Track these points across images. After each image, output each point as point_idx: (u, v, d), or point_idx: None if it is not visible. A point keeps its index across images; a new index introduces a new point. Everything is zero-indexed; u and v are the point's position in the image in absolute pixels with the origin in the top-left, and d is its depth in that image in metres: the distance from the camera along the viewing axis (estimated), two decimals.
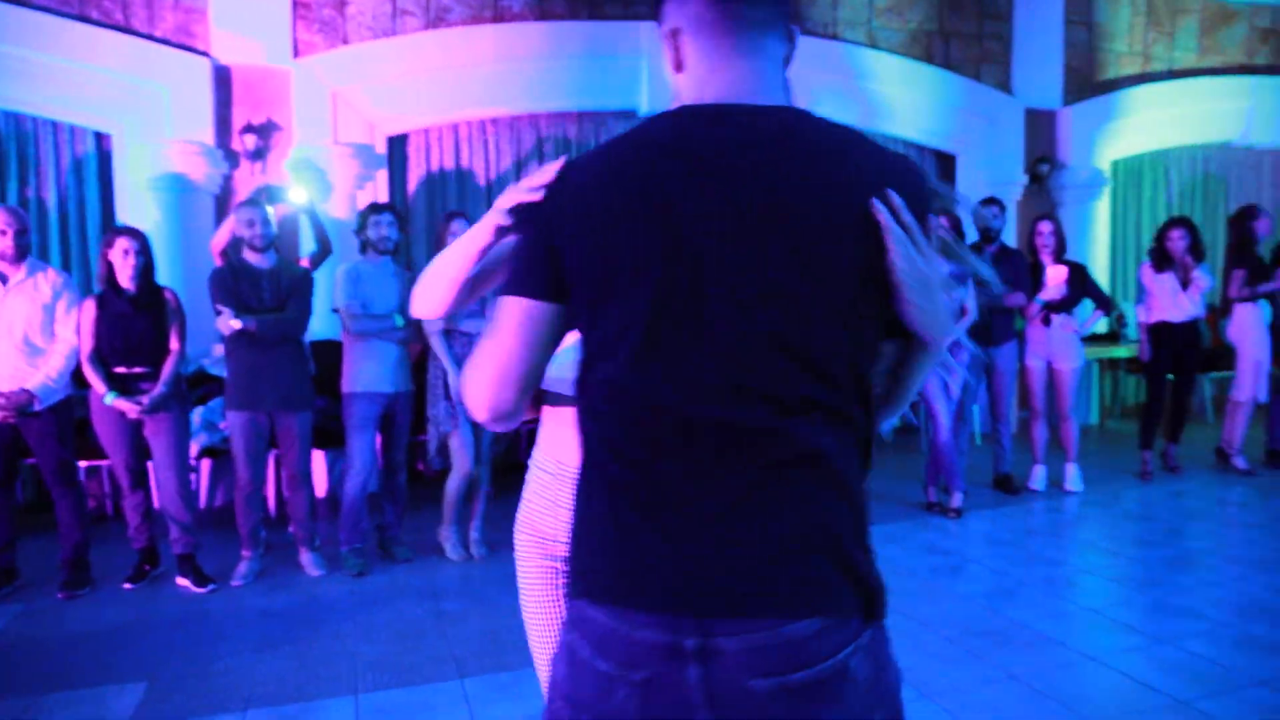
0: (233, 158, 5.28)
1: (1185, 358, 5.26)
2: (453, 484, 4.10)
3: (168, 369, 3.75)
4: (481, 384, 1.03)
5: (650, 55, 5.91)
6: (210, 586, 3.75)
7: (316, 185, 5.19)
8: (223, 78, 5.24)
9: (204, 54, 5.17)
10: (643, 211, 0.95)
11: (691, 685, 0.90)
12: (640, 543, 0.91)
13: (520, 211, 1.09)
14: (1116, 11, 7.57)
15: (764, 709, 0.90)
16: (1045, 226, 5.11)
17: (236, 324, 3.64)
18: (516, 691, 2.78)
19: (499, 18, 5.70)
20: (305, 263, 4.22)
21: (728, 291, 0.92)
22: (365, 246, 4.12)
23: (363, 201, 5.36)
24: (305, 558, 4.01)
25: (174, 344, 3.80)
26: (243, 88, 5.29)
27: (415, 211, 5.71)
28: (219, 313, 3.69)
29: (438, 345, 3.99)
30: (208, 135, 5.14)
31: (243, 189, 5.28)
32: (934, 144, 7.00)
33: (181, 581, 3.81)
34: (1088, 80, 7.46)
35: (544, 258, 1.01)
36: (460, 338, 4.04)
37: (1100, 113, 7.34)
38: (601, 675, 0.93)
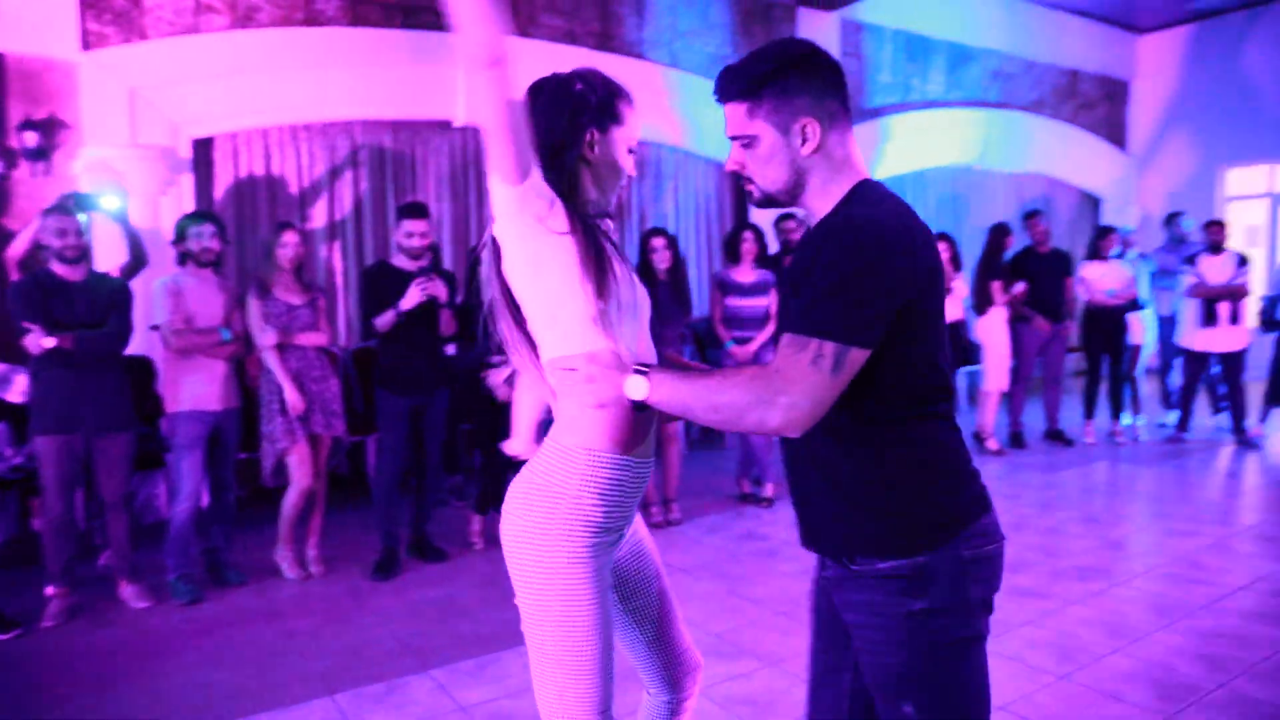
0: (9, 156, 4.78)
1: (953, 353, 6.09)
2: (290, 501, 4.00)
3: None
4: (810, 412, 1.27)
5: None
6: (15, 631, 3.43)
7: (113, 190, 4.81)
8: None
9: None
10: (934, 264, 1.35)
11: None
12: (972, 468, 1.46)
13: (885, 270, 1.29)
14: (880, 46, 8.53)
15: None
16: None
17: (50, 342, 3.38)
18: (393, 701, 2.83)
19: (311, 21, 5.54)
20: (115, 274, 3.95)
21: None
22: (185, 258, 3.93)
23: (166, 209, 5.07)
24: (127, 590, 3.76)
25: None
26: (20, 79, 4.80)
27: (224, 221, 5.42)
28: (25, 331, 3.40)
29: (272, 360, 3.89)
30: None
31: (22, 191, 4.80)
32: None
33: None
34: (858, 106, 8.35)
35: (891, 313, 1.28)
36: (295, 351, 3.96)
37: (871, 136, 8.24)
38: (1000, 555, 1.44)
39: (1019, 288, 6.18)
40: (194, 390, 3.83)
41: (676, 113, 7.01)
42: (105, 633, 3.47)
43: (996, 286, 6.15)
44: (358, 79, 5.66)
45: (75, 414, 3.53)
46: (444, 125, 6.13)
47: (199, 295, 3.88)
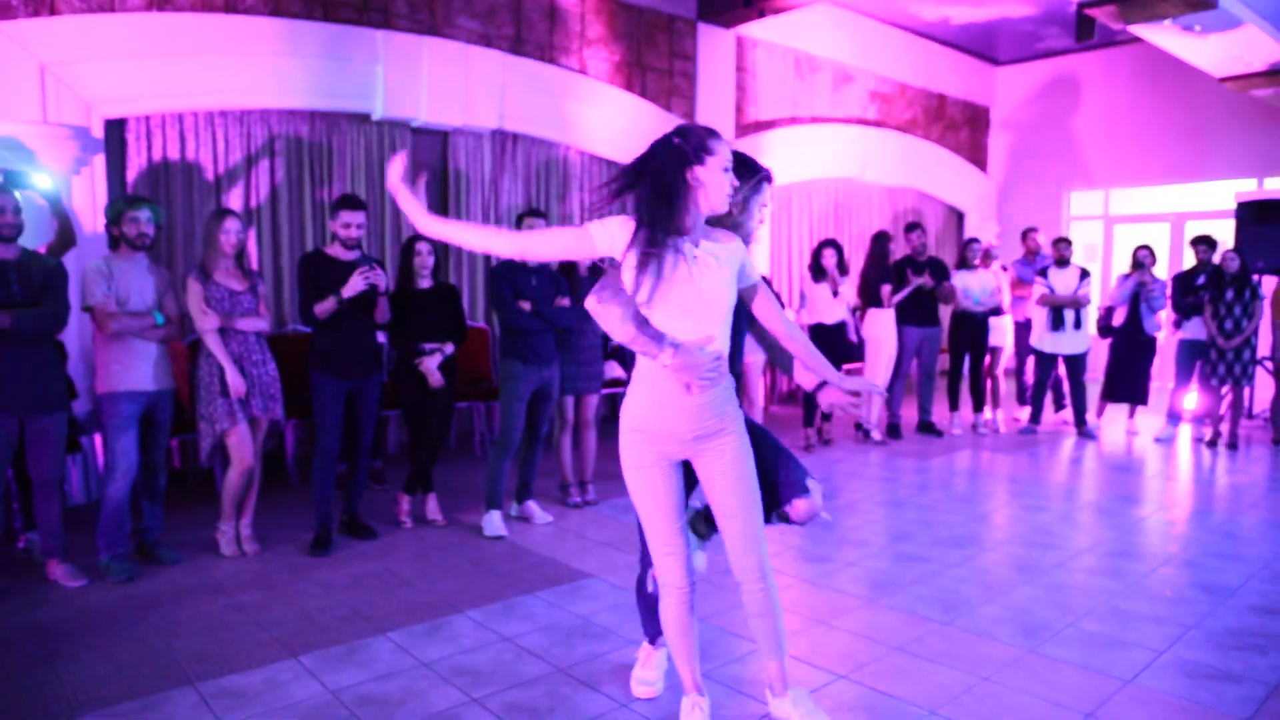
0: None
1: (836, 351, 6.64)
2: (231, 480, 4.08)
3: None
4: None
5: (385, 61, 6.10)
6: None
7: (23, 168, 4.70)
8: None
9: None
10: None
11: None
12: None
13: None
14: (772, 63, 9.10)
15: None
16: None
17: None
18: (356, 660, 3.03)
19: (231, 8, 5.53)
20: (42, 252, 3.91)
21: None
22: (117, 241, 3.94)
23: (79, 189, 4.98)
24: (59, 570, 3.76)
25: None
26: None
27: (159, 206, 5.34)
28: None
29: (214, 343, 3.96)
30: None
31: None
32: None
33: None
34: (751, 118, 8.89)
35: None
36: (235, 336, 4.04)
37: (760, 147, 8.77)
38: None
39: (926, 281, 6.78)
40: (129, 371, 3.85)
41: (583, 117, 7.31)
42: (44, 611, 3.47)
43: (885, 289, 6.74)
44: (276, 68, 5.69)
45: (9, 394, 3.51)
46: (361, 118, 6.22)
47: (130, 279, 3.90)
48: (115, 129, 5.29)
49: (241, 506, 4.21)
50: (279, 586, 3.75)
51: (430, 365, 4.50)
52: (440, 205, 6.78)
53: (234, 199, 5.73)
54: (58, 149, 4.87)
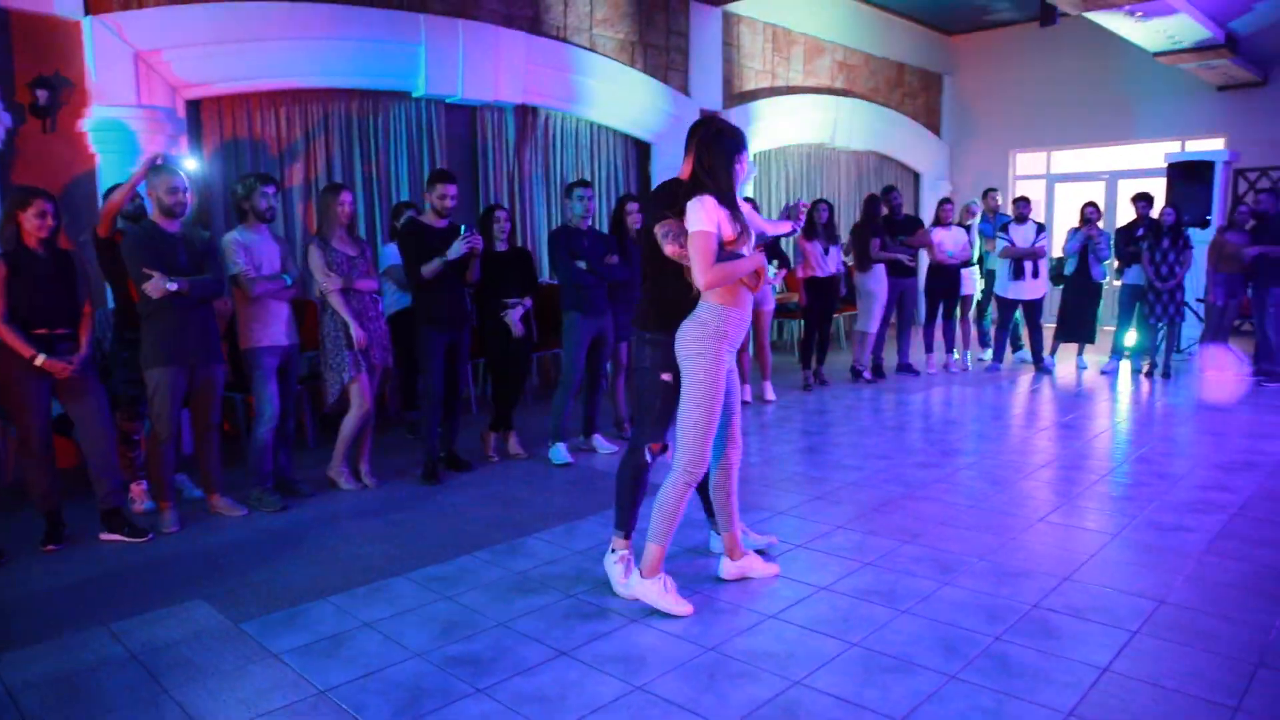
0: (18, 112, 5.01)
1: (829, 301, 7.47)
2: (350, 424, 4.70)
3: (89, 330, 3.90)
4: None
5: (428, 44, 6.62)
6: (148, 536, 3.99)
7: (123, 148, 5.17)
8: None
9: None
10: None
11: None
12: None
13: None
14: (754, 38, 9.81)
15: None
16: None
17: (173, 286, 3.92)
18: (520, 553, 3.75)
19: None
20: None
21: None
22: (246, 215, 4.49)
23: None
24: (221, 502, 4.36)
25: (88, 306, 3.93)
26: (24, 36, 5.03)
27: (212, 179, 5.83)
28: (147, 276, 3.91)
29: (338, 302, 4.56)
30: None
31: (28, 147, 5.05)
32: (635, 134, 8.58)
33: (110, 537, 3.97)
34: (737, 89, 9.61)
35: None
36: (355, 295, 4.65)
37: (746, 115, 9.51)
38: None
39: (904, 255, 7.63)
40: (267, 328, 4.43)
41: (593, 91, 7.93)
42: (228, 534, 4.09)
43: (875, 243, 7.57)
44: (328, 50, 6.18)
45: (185, 348, 4.08)
46: (402, 96, 6.75)
47: (260, 248, 4.47)
48: (193, 110, 5.75)
49: (359, 446, 4.85)
50: (417, 508, 4.42)
51: (513, 318, 5.16)
52: (471, 176, 7.36)
53: (296, 173, 6.24)
54: (153, 130, 5.34)
